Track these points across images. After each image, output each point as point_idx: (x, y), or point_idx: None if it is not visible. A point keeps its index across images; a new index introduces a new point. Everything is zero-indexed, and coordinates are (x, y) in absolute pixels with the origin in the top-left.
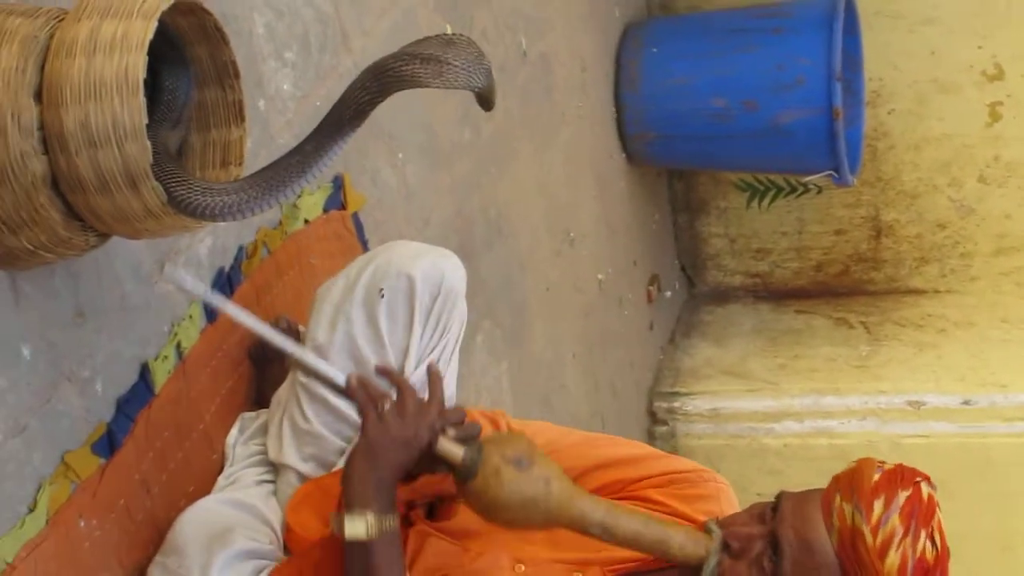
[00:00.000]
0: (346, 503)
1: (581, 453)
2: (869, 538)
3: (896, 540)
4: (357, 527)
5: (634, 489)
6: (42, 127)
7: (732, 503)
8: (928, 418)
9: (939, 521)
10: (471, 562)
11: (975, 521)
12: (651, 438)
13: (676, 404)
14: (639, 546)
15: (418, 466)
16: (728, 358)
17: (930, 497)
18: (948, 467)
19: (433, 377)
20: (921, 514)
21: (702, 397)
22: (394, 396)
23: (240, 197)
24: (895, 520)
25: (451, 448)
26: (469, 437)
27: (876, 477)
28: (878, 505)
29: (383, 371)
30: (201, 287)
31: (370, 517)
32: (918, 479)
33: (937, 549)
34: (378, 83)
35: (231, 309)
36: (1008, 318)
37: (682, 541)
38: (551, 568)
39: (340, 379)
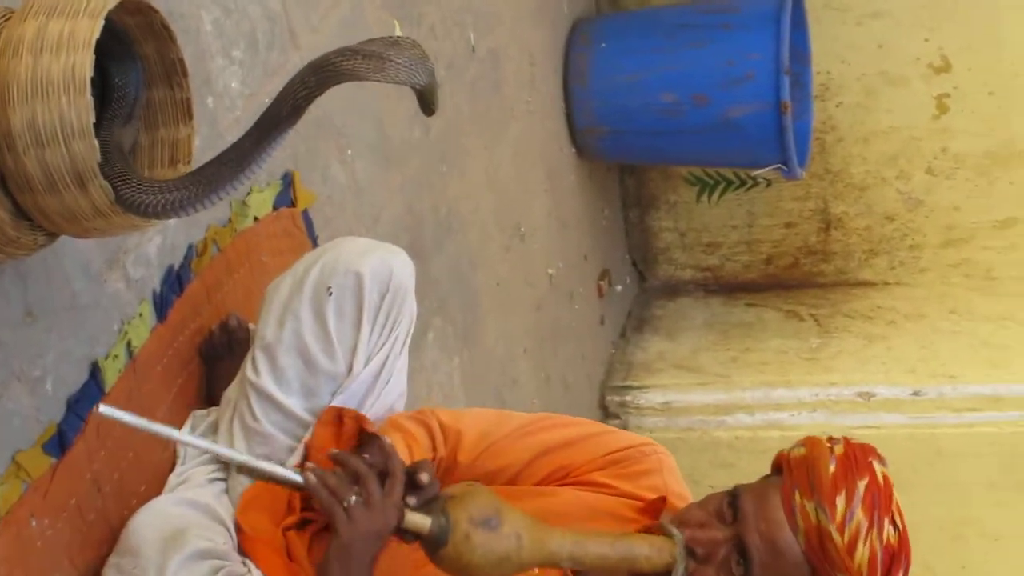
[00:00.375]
0: None
1: (521, 445)
2: (836, 537)
3: (863, 535)
4: None
5: (578, 475)
6: None
7: (673, 471)
8: (878, 409)
9: (896, 502)
10: (425, 564)
11: (926, 511)
12: None
13: (628, 398)
14: (608, 567)
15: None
16: (679, 352)
17: (885, 478)
18: (899, 458)
19: (388, 451)
20: (882, 502)
21: (654, 391)
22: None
23: (181, 195)
24: (859, 515)
25: (418, 520)
26: (430, 499)
27: (832, 468)
28: (840, 501)
29: (337, 459)
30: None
31: None
32: (870, 459)
33: (899, 530)
34: (317, 77)
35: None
36: (957, 309)
37: (647, 553)
38: None
39: (298, 479)
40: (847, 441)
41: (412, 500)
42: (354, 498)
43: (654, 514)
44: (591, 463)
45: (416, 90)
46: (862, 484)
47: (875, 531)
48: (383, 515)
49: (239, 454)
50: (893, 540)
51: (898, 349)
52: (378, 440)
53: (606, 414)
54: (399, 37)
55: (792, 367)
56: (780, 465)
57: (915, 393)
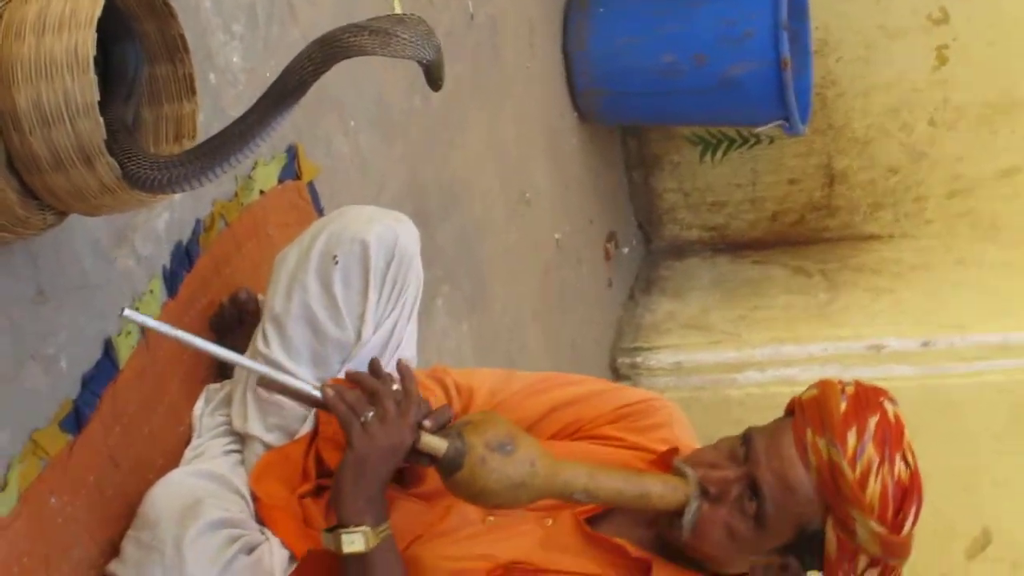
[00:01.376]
0: (340, 519)
1: (531, 403)
2: (848, 472)
3: (874, 469)
4: (355, 543)
5: (589, 429)
6: None
7: (683, 424)
8: (888, 362)
9: (908, 441)
10: (440, 520)
11: (937, 461)
12: None
13: (638, 359)
14: (621, 503)
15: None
16: (688, 311)
17: (896, 417)
18: (910, 409)
19: (404, 372)
20: (893, 437)
21: (664, 351)
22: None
23: (187, 169)
24: (870, 450)
25: (434, 443)
26: (444, 423)
27: (843, 406)
28: (851, 437)
29: (354, 377)
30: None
31: (367, 531)
32: (881, 399)
33: (911, 468)
34: (323, 53)
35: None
36: (963, 260)
37: (661, 491)
38: (522, 517)
39: (316, 393)
40: (858, 383)
41: (428, 423)
42: (371, 414)
43: (665, 466)
44: (601, 417)
45: (423, 65)
46: (873, 420)
47: (887, 466)
48: (399, 432)
49: (259, 365)
50: (904, 476)
51: (906, 301)
52: (397, 363)
53: (617, 376)
54: (404, 14)
55: (801, 323)
56: (792, 408)
57: (924, 344)
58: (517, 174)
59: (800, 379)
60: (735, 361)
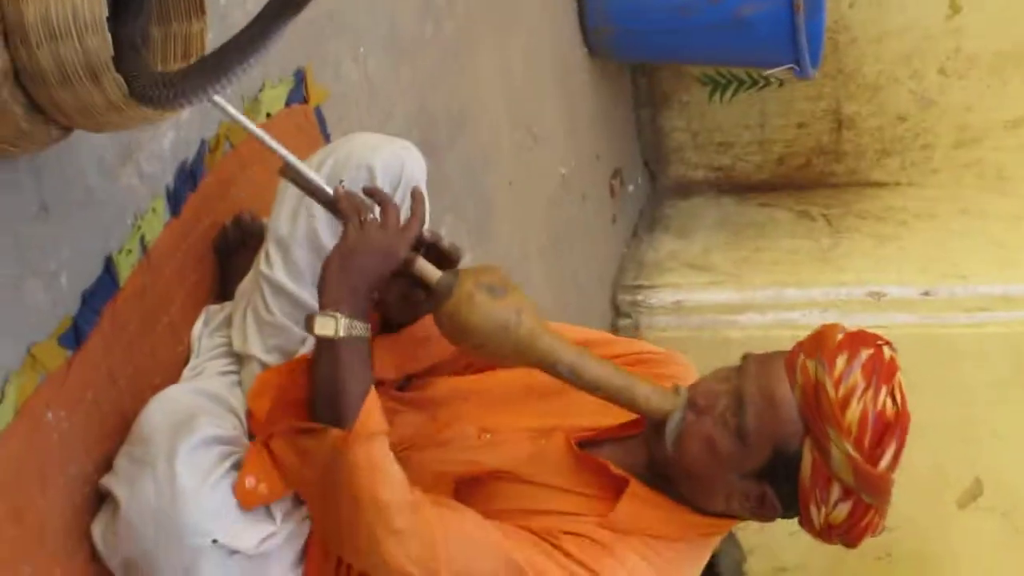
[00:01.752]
0: (320, 303)
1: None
2: (831, 390)
3: (858, 392)
4: (327, 326)
5: None
6: (3, 20)
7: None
8: (889, 309)
9: (900, 381)
10: (438, 432)
11: (936, 412)
12: (614, 330)
13: (639, 297)
14: (605, 392)
15: (394, 290)
16: (691, 251)
17: (892, 359)
18: (909, 358)
19: (417, 198)
20: (882, 371)
21: (665, 290)
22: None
23: (193, 82)
24: (857, 374)
25: (428, 269)
26: (450, 262)
27: (840, 337)
28: (840, 360)
29: (371, 192)
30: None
31: (340, 318)
32: (880, 342)
33: (897, 407)
34: None
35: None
36: (968, 210)
37: (648, 393)
38: (516, 436)
39: (328, 190)
40: (862, 329)
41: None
42: (372, 216)
43: None
44: (622, 358)
45: None
46: (865, 352)
47: (871, 393)
48: (394, 240)
49: (286, 151)
50: (889, 411)
51: (909, 249)
52: (412, 189)
53: (617, 313)
54: None
55: (803, 267)
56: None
57: (926, 293)
58: (525, 107)
59: (800, 323)
60: (736, 302)
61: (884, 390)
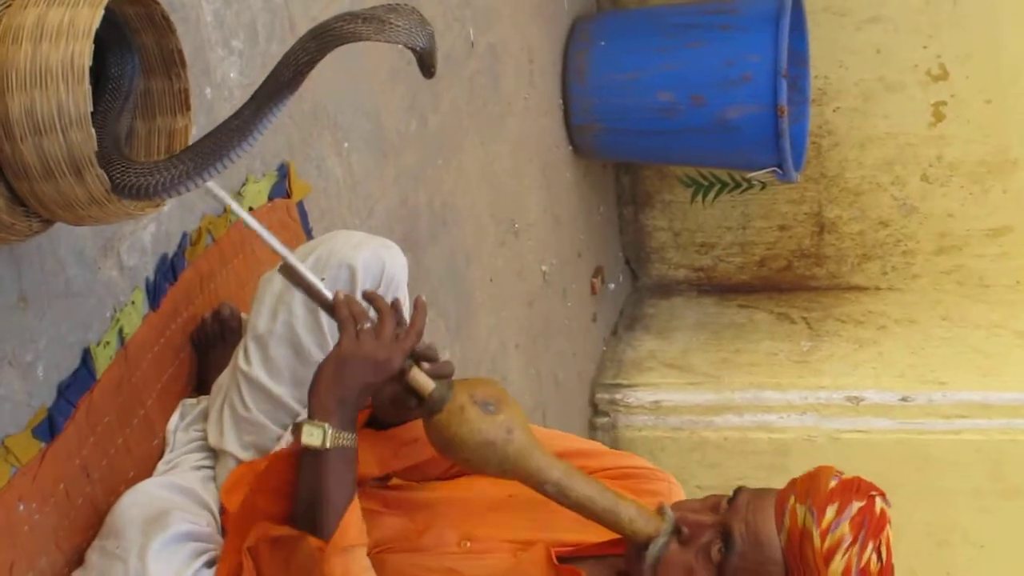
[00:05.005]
0: (308, 412)
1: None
2: (817, 541)
3: (843, 547)
4: (314, 436)
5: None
6: None
7: (679, 500)
8: (867, 414)
9: (888, 536)
10: (418, 536)
11: (912, 516)
12: (592, 429)
13: (618, 396)
14: (591, 512)
15: (386, 393)
16: (670, 351)
17: (883, 512)
18: (886, 463)
19: (419, 308)
20: (871, 525)
21: (644, 389)
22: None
23: (182, 169)
24: (845, 527)
25: (421, 380)
26: (443, 375)
27: (833, 484)
28: (830, 511)
29: (370, 298)
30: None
31: (328, 428)
32: (873, 493)
33: (882, 562)
34: (317, 42)
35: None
36: (948, 316)
37: (633, 515)
38: (497, 546)
39: (327, 294)
40: (858, 477)
41: (426, 367)
42: (367, 324)
43: None
44: (606, 471)
45: (416, 53)
46: (857, 504)
47: (856, 548)
48: (389, 350)
49: (288, 252)
50: (873, 568)
51: (888, 354)
52: (416, 299)
53: (595, 411)
54: (398, 4)
55: (782, 369)
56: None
57: (904, 399)
58: (508, 203)
59: (777, 425)
60: (714, 403)
61: (871, 545)
